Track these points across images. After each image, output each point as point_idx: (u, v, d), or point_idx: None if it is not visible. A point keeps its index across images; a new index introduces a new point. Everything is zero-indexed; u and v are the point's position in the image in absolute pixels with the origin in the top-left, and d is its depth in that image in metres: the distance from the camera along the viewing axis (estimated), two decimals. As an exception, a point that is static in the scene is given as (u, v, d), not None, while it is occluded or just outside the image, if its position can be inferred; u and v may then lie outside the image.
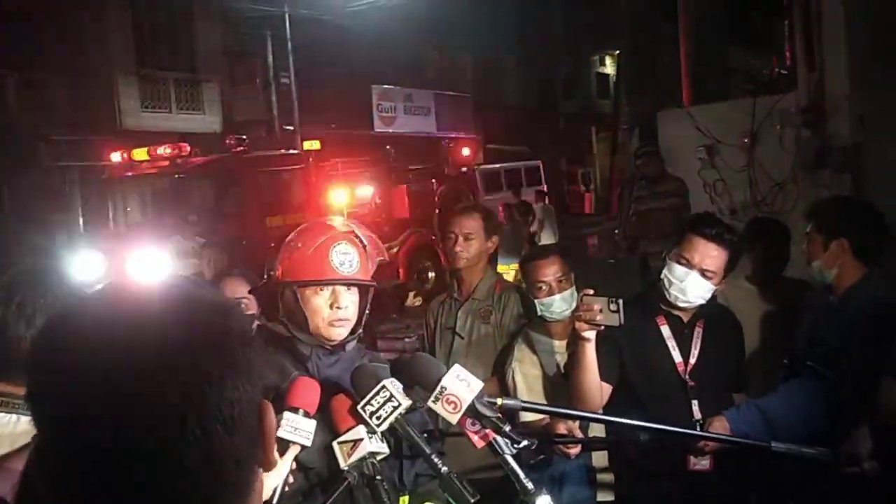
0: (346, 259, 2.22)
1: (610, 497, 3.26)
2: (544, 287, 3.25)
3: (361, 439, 2.00)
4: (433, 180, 16.69)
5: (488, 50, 27.93)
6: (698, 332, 2.99)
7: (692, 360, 2.96)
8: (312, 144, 14.25)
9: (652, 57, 14.54)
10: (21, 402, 1.71)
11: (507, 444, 1.86)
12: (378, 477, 2.00)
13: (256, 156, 14.05)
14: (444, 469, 1.91)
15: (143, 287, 0.88)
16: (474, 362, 3.33)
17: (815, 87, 7.03)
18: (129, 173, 13.45)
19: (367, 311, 2.32)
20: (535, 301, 3.28)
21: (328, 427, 2.05)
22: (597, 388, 2.85)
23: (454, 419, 1.85)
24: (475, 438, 1.87)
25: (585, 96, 34.92)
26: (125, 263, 10.66)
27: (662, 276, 2.96)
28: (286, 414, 1.87)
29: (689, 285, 2.88)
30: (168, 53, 19.43)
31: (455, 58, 26.78)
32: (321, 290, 2.22)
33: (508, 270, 10.43)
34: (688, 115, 8.36)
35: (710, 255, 2.86)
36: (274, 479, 1.80)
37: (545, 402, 3.14)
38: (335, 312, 2.20)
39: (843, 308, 3.00)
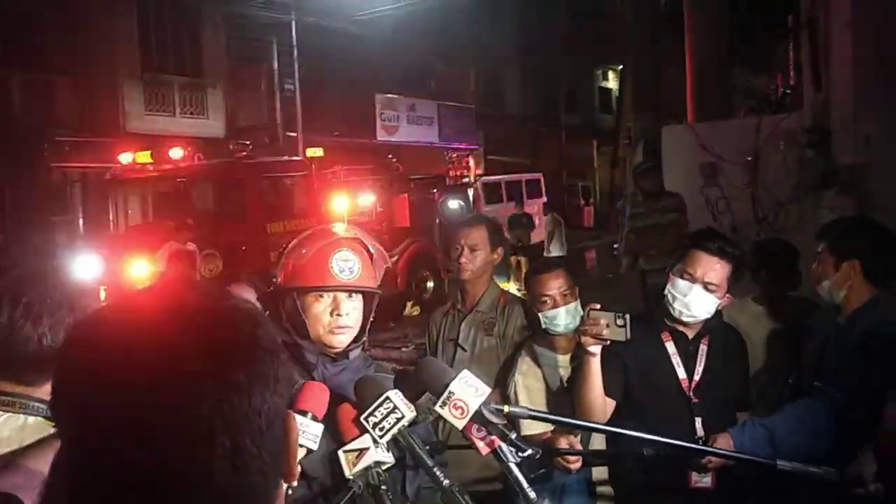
0: (347, 266, 2.21)
1: (610, 512, 3.24)
2: (549, 300, 3.25)
3: (367, 448, 1.99)
4: (434, 190, 16.71)
5: (492, 62, 28.03)
6: (703, 349, 2.98)
7: (696, 377, 2.96)
8: (315, 151, 14.28)
9: (656, 73, 14.60)
10: (28, 403, 1.69)
11: (511, 452, 1.85)
12: (383, 486, 1.99)
13: (259, 161, 14.06)
14: (447, 482, 1.90)
15: (171, 295, 0.86)
16: (477, 375, 3.31)
17: (821, 107, 7.04)
18: (132, 176, 13.46)
19: (371, 319, 2.31)
20: (540, 314, 3.27)
21: (333, 435, 2.04)
22: (600, 402, 2.84)
23: (461, 424, 1.85)
24: (480, 445, 1.86)
25: (587, 110, 35.02)
26: (120, 267, 10.65)
27: (666, 291, 2.96)
28: (294, 416, 1.86)
29: (693, 299, 2.88)
30: (173, 57, 19.46)
31: (459, 69, 26.84)
32: (322, 296, 2.21)
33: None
34: (691, 132, 8.36)
35: (713, 268, 2.87)
36: None
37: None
38: (335, 319, 2.20)
39: (851, 329, 2.99)
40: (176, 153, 13.03)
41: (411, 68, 23.67)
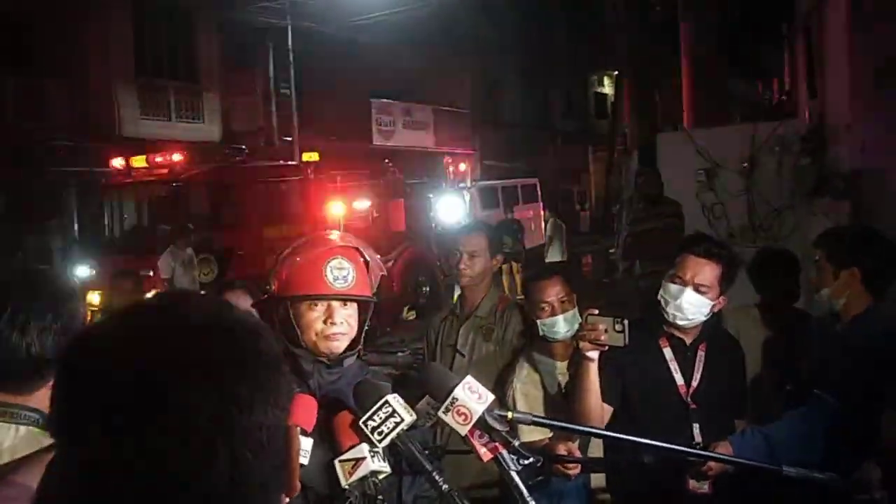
0: (341, 274, 2.19)
1: (607, 518, 3.24)
2: (547, 307, 3.24)
3: (363, 458, 1.97)
4: (430, 195, 16.72)
5: (488, 67, 28.06)
6: (701, 356, 2.99)
7: (694, 383, 2.96)
8: (311, 156, 14.26)
9: (652, 79, 14.63)
10: (20, 412, 1.68)
11: (513, 459, 1.84)
12: (380, 497, 1.98)
13: (255, 166, 14.06)
14: (446, 487, 1.89)
15: (172, 307, 0.85)
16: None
17: (816, 115, 7.07)
18: (127, 180, 13.43)
19: (366, 327, 2.30)
20: (538, 321, 3.27)
21: (329, 444, 2.02)
22: (598, 408, 2.84)
23: (464, 431, 1.83)
24: (482, 451, 1.85)
25: (583, 116, 35.08)
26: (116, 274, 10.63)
27: (659, 296, 2.98)
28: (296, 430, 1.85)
29: (685, 302, 2.89)
30: (168, 62, 19.43)
31: (455, 74, 26.87)
32: (315, 305, 2.19)
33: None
34: (688, 138, 8.38)
35: (702, 270, 2.89)
36: None
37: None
38: (329, 328, 2.17)
39: (849, 337, 3.00)
40: (171, 158, 13.02)
41: (407, 73, 23.68)
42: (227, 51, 20.46)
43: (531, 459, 1.86)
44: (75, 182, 16.27)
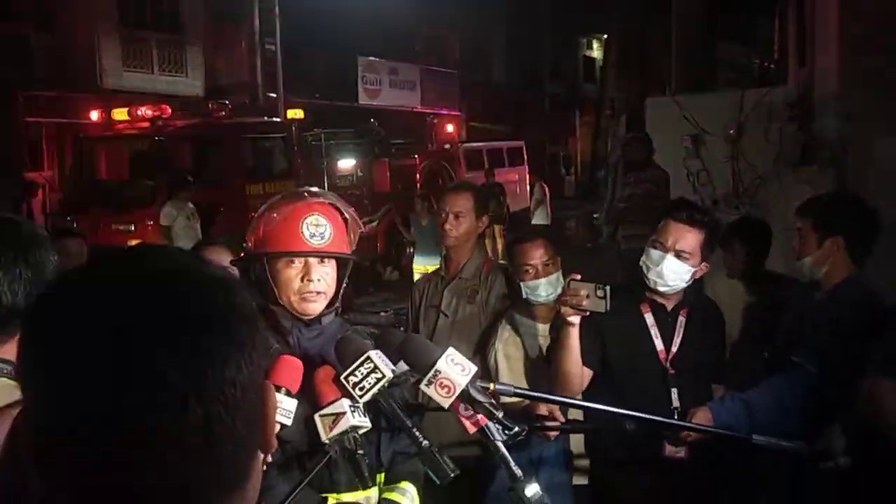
0: (318, 231, 2.17)
1: (585, 482, 3.27)
2: (530, 270, 3.24)
3: (344, 413, 1.97)
4: (416, 155, 16.63)
5: (476, 27, 27.80)
6: (681, 321, 3.00)
7: (674, 349, 2.97)
8: (296, 113, 14.14)
9: (641, 44, 14.55)
10: None
11: (498, 430, 1.84)
12: (360, 451, 1.99)
13: (238, 122, 13.91)
14: (425, 443, 1.89)
15: (142, 259, 0.83)
16: (457, 342, 3.31)
17: (805, 83, 7.04)
18: (108, 133, 13.27)
19: (345, 285, 2.28)
20: (521, 284, 3.26)
21: (309, 400, 2.02)
22: (578, 372, 2.84)
23: (447, 403, 1.82)
24: (468, 424, 1.84)
25: (571, 79, 34.89)
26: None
27: (641, 262, 2.97)
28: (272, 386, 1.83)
29: (666, 268, 2.88)
30: (152, 13, 19.09)
31: (442, 33, 26.60)
32: (293, 262, 2.17)
33: (425, 271, 9.99)
34: (675, 104, 8.34)
35: (684, 237, 2.88)
36: None
37: (527, 384, 3.13)
38: (306, 285, 2.16)
39: (829, 305, 3.01)
40: (153, 111, 12.85)
41: (394, 32, 23.40)
42: (212, 3, 20.11)
43: (516, 429, 1.86)
44: (56, 133, 16.06)
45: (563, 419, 2.92)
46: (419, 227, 10.62)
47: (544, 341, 3.28)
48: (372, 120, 16.78)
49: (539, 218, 16.11)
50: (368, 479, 2.05)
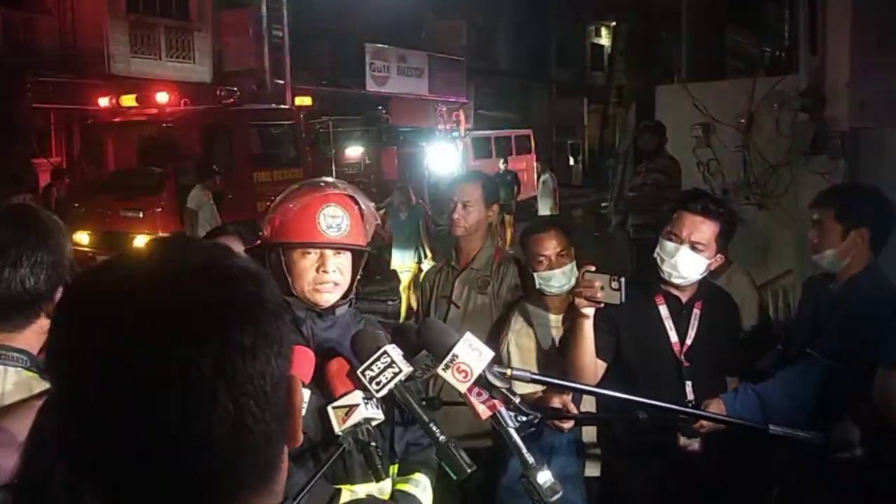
0: (335, 222, 2.16)
1: (597, 472, 3.26)
2: (544, 260, 3.22)
3: (357, 405, 1.97)
4: (423, 143, 16.60)
5: (484, 15, 27.67)
6: (696, 314, 2.98)
7: (688, 341, 2.95)
8: (304, 100, 14.11)
9: (650, 31, 14.45)
10: (8, 353, 1.66)
11: (511, 416, 1.83)
12: (373, 443, 1.98)
13: (247, 108, 13.88)
14: (442, 438, 1.89)
15: (171, 252, 0.82)
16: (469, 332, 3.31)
17: (816, 71, 6.98)
18: (116, 119, 13.25)
19: (359, 276, 2.27)
20: (535, 274, 3.24)
21: (322, 392, 2.02)
22: (591, 364, 2.83)
23: (463, 388, 1.82)
24: (481, 409, 1.84)
25: (578, 67, 34.75)
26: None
27: (655, 254, 2.95)
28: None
29: (680, 260, 2.86)
30: (160, -1, 19.07)
31: (450, 21, 26.47)
32: (308, 253, 2.17)
33: (402, 270, 9.80)
34: (686, 92, 8.29)
35: (699, 228, 2.86)
36: None
37: (540, 375, 3.12)
38: (321, 276, 2.16)
39: (844, 296, 2.99)
40: (161, 97, 12.83)
41: (402, 19, 23.31)
42: (219, -10, 20.07)
43: (529, 416, 1.85)
44: (64, 120, 16.07)
45: (575, 411, 2.91)
46: (397, 220, 10.02)
47: (556, 332, 3.26)
48: (380, 107, 16.73)
49: (545, 207, 16.07)
50: (382, 470, 2.04)
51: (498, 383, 1.80)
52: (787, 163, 7.40)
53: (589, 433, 3.25)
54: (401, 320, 8.74)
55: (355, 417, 1.97)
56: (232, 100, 13.50)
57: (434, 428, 1.90)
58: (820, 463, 2.70)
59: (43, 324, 1.69)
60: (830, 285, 3.09)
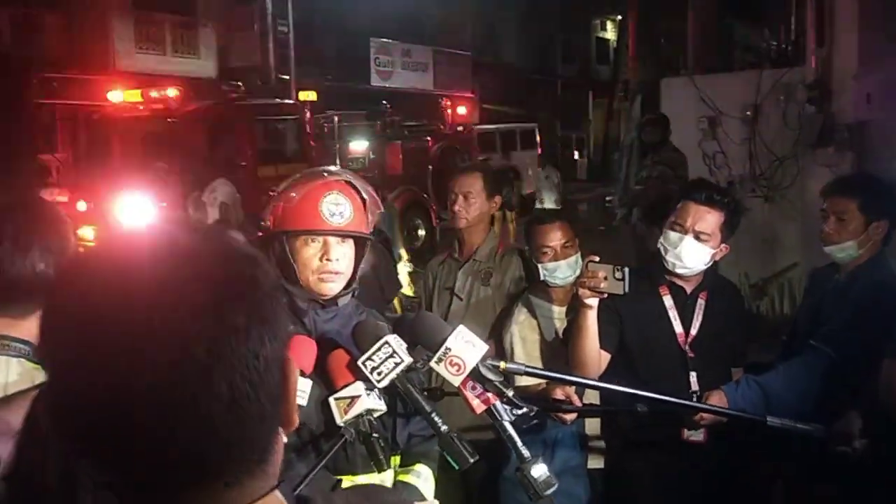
0: (338, 210, 2.15)
1: (601, 465, 3.25)
2: (549, 252, 3.20)
3: (359, 395, 1.97)
4: (428, 138, 16.57)
5: (488, 9, 27.62)
6: (700, 304, 2.96)
7: (693, 332, 2.94)
8: (308, 95, 14.08)
9: (655, 25, 14.39)
10: (10, 343, 1.66)
11: (506, 410, 1.82)
12: (374, 434, 1.98)
13: (251, 103, 13.86)
14: (444, 428, 1.88)
15: (167, 234, 0.82)
16: (472, 324, 3.29)
17: (823, 63, 6.95)
18: (121, 114, 13.25)
19: (362, 265, 2.26)
20: (539, 266, 3.23)
21: (325, 383, 2.01)
22: (595, 355, 2.82)
23: (457, 381, 1.81)
24: (475, 403, 1.83)
25: (584, 61, 34.67)
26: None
27: (659, 244, 2.94)
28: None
29: (685, 250, 2.85)
30: (165, -6, 19.07)
31: (455, 15, 26.42)
32: (312, 241, 2.16)
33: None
34: (692, 85, 8.27)
35: (703, 217, 2.84)
36: None
37: (543, 367, 3.11)
38: (325, 265, 2.15)
39: (850, 288, 2.97)
40: (167, 93, 12.83)
41: (407, 13, 23.26)
42: (224, -15, 20.08)
43: (525, 409, 1.85)
44: (69, 115, 16.09)
45: (579, 403, 2.90)
46: None
47: (560, 324, 3.25)
48: (384, 102, 16.71)
49: (549, 202, 15.99)
50: (384, 461, 2.04)
51: (491, 376, 1.79)
52: (794, 155, 7.39)
53: (592, 425, 3.24)
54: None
55: (357, 408, 1.96)
56: (236, 95, 13.50)
57: (436, 418, 1.90)
58: (821, 455, 2.69)
59: None
60: (836, 276, 3.07)
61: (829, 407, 2.70)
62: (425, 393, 2.04)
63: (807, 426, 2.45)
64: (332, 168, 2.32)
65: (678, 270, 2.91)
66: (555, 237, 3.21)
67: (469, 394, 1.82)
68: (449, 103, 20.18)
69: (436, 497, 2.22)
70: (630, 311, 2.91)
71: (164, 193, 11.26)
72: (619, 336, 2.94)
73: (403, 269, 7.43)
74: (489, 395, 1.81)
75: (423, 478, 2.26)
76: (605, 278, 2.59)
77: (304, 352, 1.93)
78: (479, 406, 1.83)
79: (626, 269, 2.58)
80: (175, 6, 19.25)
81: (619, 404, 2.82)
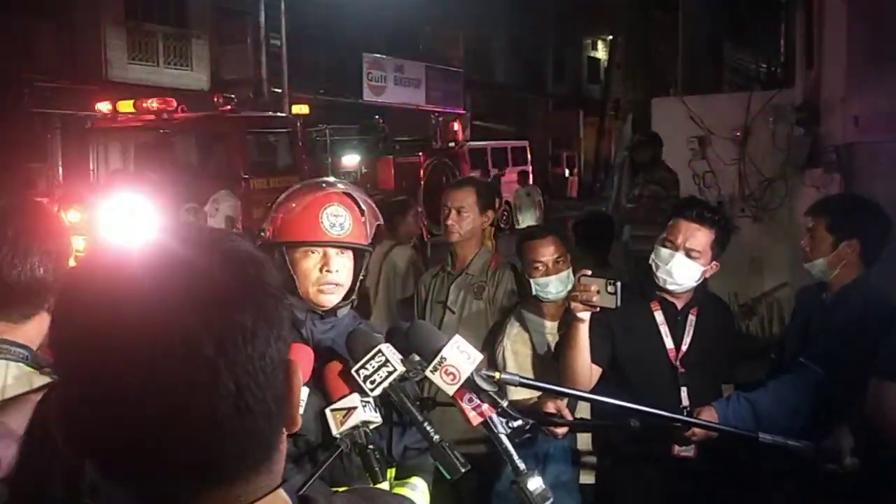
0: (338, 221, 2.16)
1: (592, 480, 3.26)
2: (541, 267, 3.23)
3: (355, 407, 1.97)
4: (420, 153, 16.62)
5: (481, 26, 27.78)
6: (691, 320, 2.99)
7: (684, 347, 2.96)
8: (301, 108, 14.11)
9: (647, 44, 14.51)
10: (8, 348, 1.66)
11: (502, 422, 1.83)
12: (370, 446, 1.98)
13: (243, 116, 13.87)
14: (437, 438, 1.89)
15: (176, 236, 0.83)
16: (464, 338, 3.31)
17: (812, 85, 7.03)
18: (113, 125, 13.23)
19: (361, 277, 2.28)
20: (531, 281, 3.25)
21: (322, 394, 2.02)
22: (587, 369, 2.84)
23: (451, 391, 1.82)
24: (472, 415, 1.84)
25: (575, 80, 34.89)
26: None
27: (650, 260, 2.97)
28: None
29: (675, 267, 2.88)
30: (158, 6, 19.11)
31: (448, 32, 26.57)
32: (311, 252, 2.17)
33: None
34: (682, 105, 8.34)
35: (694, 235, 2.87)
36: None
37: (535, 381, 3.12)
38: (325, 276, 2.16)
39: (837, 306, 3.00)
40: (159, 104, 12.82)
41: (400, 29, 23.39)
42: (218, -2, 20.14)
43: (520, 422, 1.86)
44: (61, 125, 16.06)
45: (570, 417, 2.92)
46: None
47: (552, 339, 3.27)
48: (377, 117, 16.76)
49: (527, 219, 15.93)
50: (379, 473, 2.04)
51: (486, 386, 1.80)
52: (783, 176, 7.46)
53: (584, 440, 3.25)
54: None
55: (353, 420, 1.97)
56: (229, 107, 13.51)
57: (428, 428, 1.90)
58: (811, 473, 2.71)
59: (45, 318, 1.70)
60: (823, 295, 3.10)
61: (818, 425, 2.72)
62: (418, 403, 2.05)
63: (797, 443, 2.48)
64: (331, 179, 2.33)
65: (669, 287, 2.94)
66: (547, 252, 3.24)
67: (465, 405, 1.83)
68: (441, 119, 20.26)
69: (429, 510, 2.23)
70: (621, 325, 2.94)
71: (154, 204, 11.24)
72: (611, 350, 2.96)
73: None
74: (484, 407, 1.82)
75: (418, 490, 2.27)
76: (598, 292, 2.62)
77: (301, 360, 1.93)
78: (475, 418, 1.83)
79: (619, 284, 2.60)
80: (168, 18, 19.30)
81: (611, 418, 2.84)
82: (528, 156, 22.28)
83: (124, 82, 17.13)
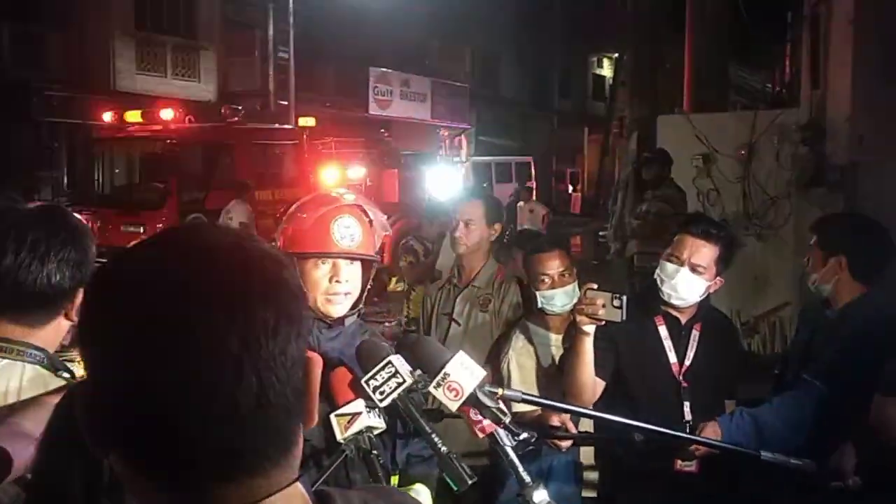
0: (348, 233, 2.19)
1: (594, 494, 3.26)
2: (546, 280, 3.24)
3: (360, 413, 1.99)
4: (425, 167, 16.67)
5: (488, 42, 27.92)
6: (695, 335, 3.01)
7: (687, 362, 2.98)
8: (307, 121, 14.18)
9: (653, 63, 14.56)
10: (26, 350, 1.68)
11: (507, 435, 1.85)
12: (374, 451, 2.00)
13: (250, 127, 13.95)
14: (444, 449, 1.90)
15: (198, 233, 0.86)
16: (469, 350, 3.31)
17: (818, 105, 7.07)
18: (120, 135, 13.32)
19: (368, 287, 2.30)
20: (537, 293, 3.27)
21: (326, 401, 2.03)
22: (591, 382, 2.85)
23: (454, 406, 1.84)
24: (477, 429, 1.86)
25: (580, 97, 35.00)
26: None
27: (656, 275, 2.99)
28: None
29: (680, 282, 2.90)
30: (167, 17, 19.23)
31: (454, 48, 26.69)
32: (321, 262, 2.19)
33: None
34: (688, 123, 8.37)
35: (699, 251, 2.89)
36: None
37: (539, 394, 3.13)
38: (334, 286, 2.18)
39: (840, 324, 3.01)
40: (166, 114, 12.90)
41: (407, 44, 23.50)
42: (227, 10, 20.25)
43: (525, 435, 1.87)
44: (68, 134, 16.15)
45: (574, 430, 2.93)
46: None
47: (557, 352, 3.28)
48: (382, 130, 16.82)
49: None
50: (382, 479, 2.05)
51: (489, 402, 1.81)
52: (787, 195, 7.48)
53: (587, 454, 3.25)
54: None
55: (357, 425, 1.98)
56: (236, 118, 13.58)
57: (435, 438, 1.91)
58: (813, 491, 2.71)
59: (61, 323, 1.72)
60: (827, 312, 3.12)
61: (821, 440, 2.72)
62: (425, 414, 2.06)
63: (799, 461, 2.48)
64: (342, 190, 2.36)
65: (673, 301, 2.96)
66: (553, 265, 3.25)
67: (472, 419, 1.85)
68: (446, 134, 20.34)
69: (431, 523, 2.24)
70: (626, 340, 2.95)
71: (161, 213, 11.31)
72: (615, 365, 2.97)
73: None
74: (486, 423, 1.84)
75: (422, 497, 2.27)
76: (604, 305, 2.63)
77: None
78: (480, 432, 1.85)
79: (625, 297, 2.62)
80: (177, 29, 19.41)
81: (614, 432, 2.85)
82: (533, 171, 22.32)
83: (132, 92, 17.21)
